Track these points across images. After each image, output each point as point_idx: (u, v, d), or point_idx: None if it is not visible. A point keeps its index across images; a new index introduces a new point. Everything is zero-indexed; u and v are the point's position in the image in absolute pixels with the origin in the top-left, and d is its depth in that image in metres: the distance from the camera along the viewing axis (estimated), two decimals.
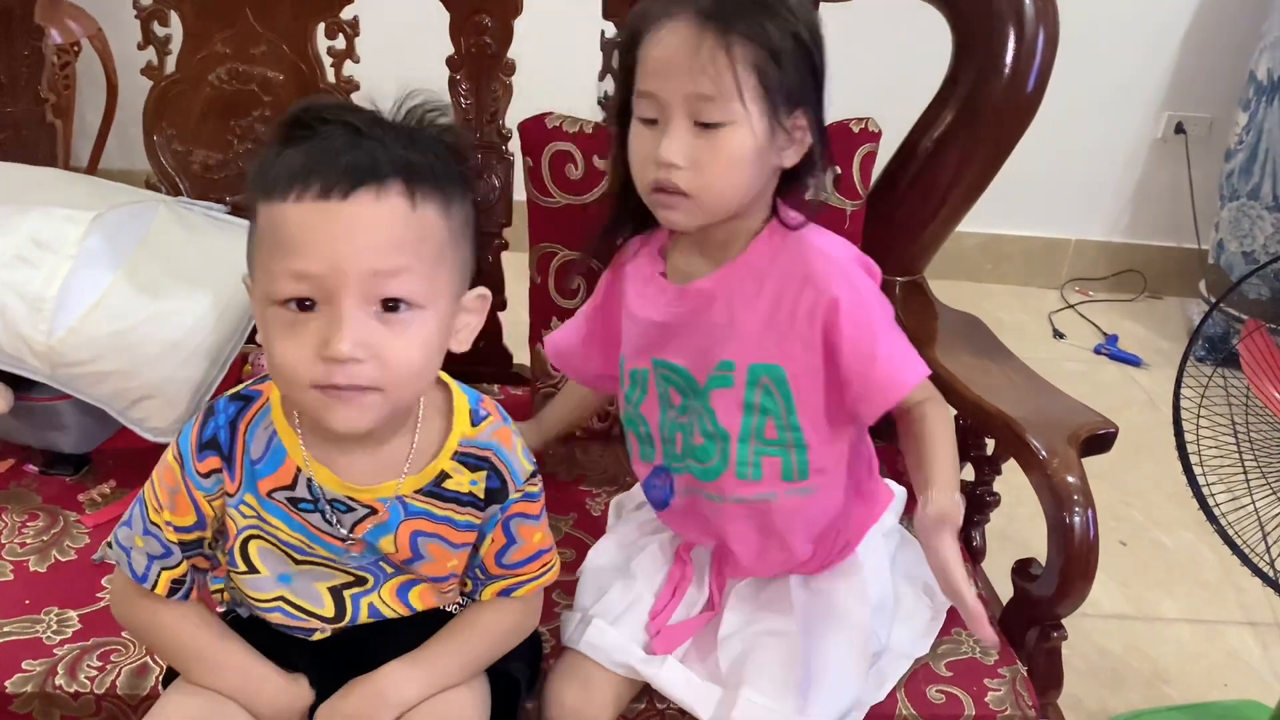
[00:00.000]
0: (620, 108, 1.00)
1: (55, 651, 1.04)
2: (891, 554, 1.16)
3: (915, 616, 1.13)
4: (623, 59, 0.97)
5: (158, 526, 0.87)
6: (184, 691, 0.90)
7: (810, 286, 0.97)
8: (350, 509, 0.86)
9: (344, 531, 0.87)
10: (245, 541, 0.88)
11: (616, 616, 1.05)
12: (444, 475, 0.87)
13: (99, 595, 1.11)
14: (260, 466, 0.86)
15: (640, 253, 1.10)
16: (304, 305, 0.74)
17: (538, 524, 0.93)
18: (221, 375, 1.31)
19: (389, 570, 0.91)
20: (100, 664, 1.03)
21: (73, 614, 1.08)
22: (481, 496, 0.89)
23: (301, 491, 0.86)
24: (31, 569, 1.14)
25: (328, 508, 0.86)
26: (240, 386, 0.88)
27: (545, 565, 0.95)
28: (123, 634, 1.06)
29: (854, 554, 1.11)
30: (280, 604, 0.91)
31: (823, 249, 0.99)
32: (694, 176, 0.93)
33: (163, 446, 1.25)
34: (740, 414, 1.01)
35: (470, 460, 0.88)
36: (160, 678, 1.01)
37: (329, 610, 0.91)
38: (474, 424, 0.89)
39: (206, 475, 0.86)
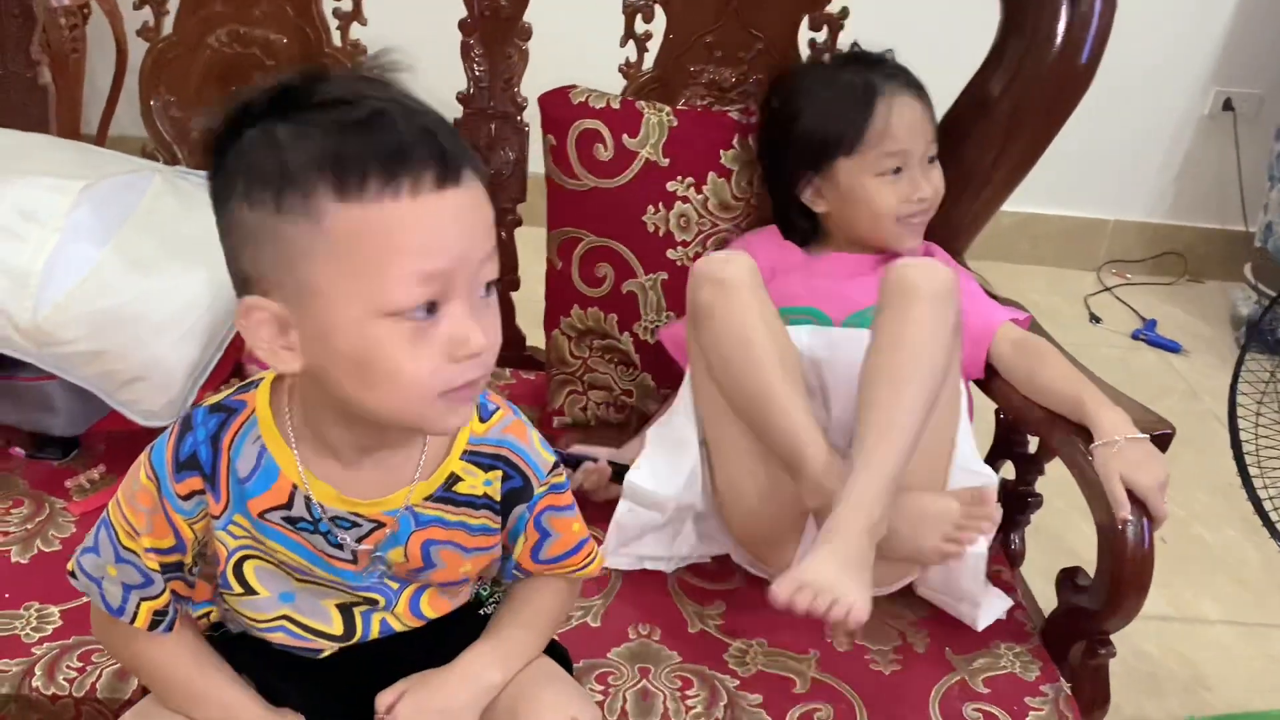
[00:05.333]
0: (785, 155, 1.27)
1: (34, 650, 0.98)
2: None
3: None
4: (833, 125, 1.23)
5: (134, 553, 0.78)
6: (162, 711, 0.84)
7: (944, 260, 1.25)
8: (354, 525, 0.79)
9: (349, 554, 0.80)
10: (239, 562, 0.81)
11: None
12: (455, 478, 0.80)
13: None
14: (250, 485, 0.78)
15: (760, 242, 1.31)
16: (429, 309, 0.67)
17: (572, 514, 0.86)
18: (218, 356, 1.24)
19: (395, 587, 0.84)
20: (80, 665, 0.97)
21: (54, 610, 1.02)
22: (498, 499, 0.82)
23: (299, 510, 0.78)
24: (13, 560, 1.08)
25: (331, 526, 0.79)
26: (220, 396, 0.80)
27: (589, 555, 0.88)
28: None
29: None
30: (284, 623, 0.84)
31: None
32: (936, 198, 1.26)
33: (156, 431, 1.20)
34: None
35: (483, 460, 0.81)
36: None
37: (337, 628, 0.84)
38: (482, 419, 0.82)
39: (187, 497, 0.77)
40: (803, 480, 1.04)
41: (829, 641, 1.07)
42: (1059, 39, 1.23)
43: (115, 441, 1.24)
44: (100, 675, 0.96)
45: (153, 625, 0.80)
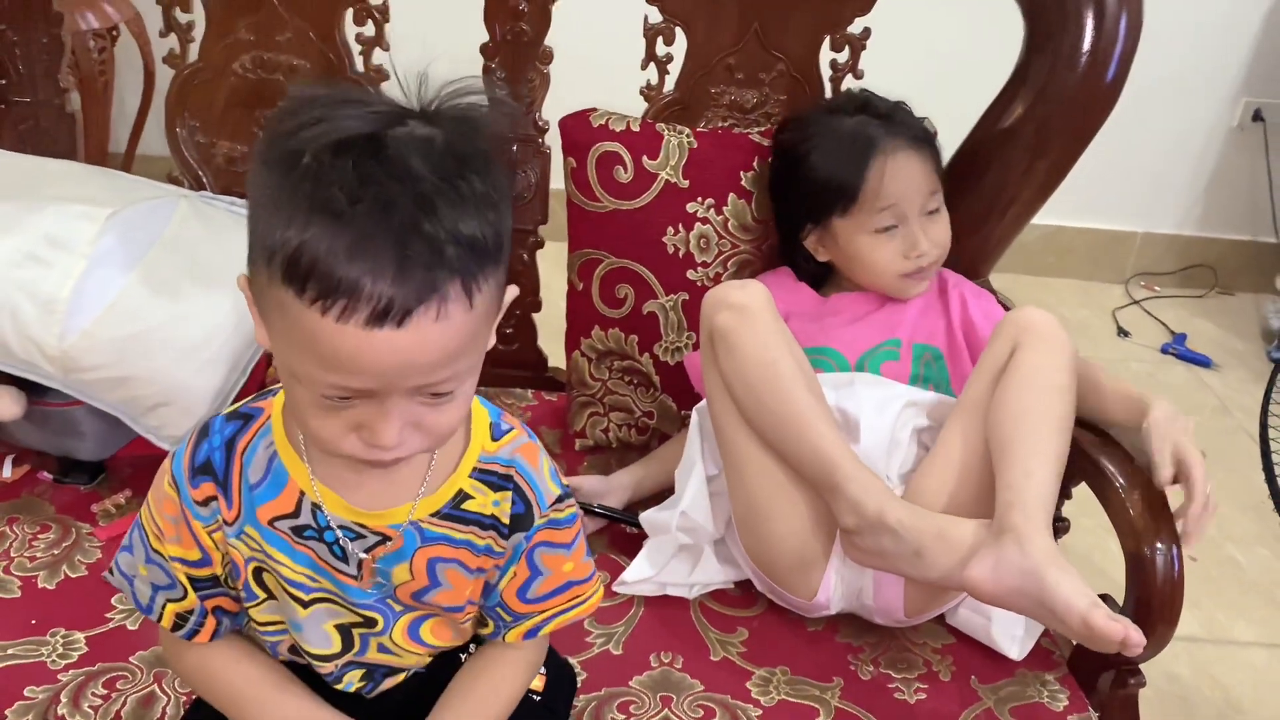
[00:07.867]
0: (798, 210, 1.28)
1: (59, 677, 0.99)
2: None
3: None
4: (831, 182, 1.22)
5: (161, 556, 0.80)
6: None
7: (956, 288, 1.28)
8: (360, 536, 0.79)
9: (354, 567, 0.80)
10: (257, 572, 0.81)
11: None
12: (463, 495, 0.80)
13: (108, 615, 1.06)
14: (260, 491, 0.78)
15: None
16: (341, 398, 0.67)
17: (568, 553, 0.84)
18: (243, 381, 1.25)
19: (397, 609, 0.83)
20: (105, 692, 0.98)
21: (79, 636, 1.03)
22: (506, 521, 0.81)
23: (305, 519, 0.79)
24: (40, 585, 1.09)
25: (337, 534, 0.79)
26: (239, 404, 0.81)
27: (575, 598, 0.86)
28: (130, 659, 1.01)
29: None
30: (289, 638, 0.85)
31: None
32: (939, 252, 1.25)
33: None
34: (907, 383, 1.20)
35: (492, 479, 0.80)
36: (168, 707, 0.96)
37: (335, 647, 0.84)
38: (494, 438, 0.81)
39: (203, 504, 0.78)
40: (839, 499, 1.03)
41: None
42: (1084, 58, 1.21)
43: (141, 466, 1.25)
44: (125, 703, 0.97)
45: (176, 627, 0.82)
